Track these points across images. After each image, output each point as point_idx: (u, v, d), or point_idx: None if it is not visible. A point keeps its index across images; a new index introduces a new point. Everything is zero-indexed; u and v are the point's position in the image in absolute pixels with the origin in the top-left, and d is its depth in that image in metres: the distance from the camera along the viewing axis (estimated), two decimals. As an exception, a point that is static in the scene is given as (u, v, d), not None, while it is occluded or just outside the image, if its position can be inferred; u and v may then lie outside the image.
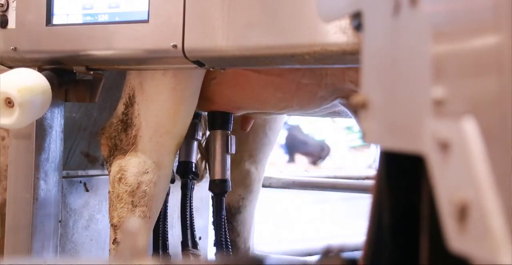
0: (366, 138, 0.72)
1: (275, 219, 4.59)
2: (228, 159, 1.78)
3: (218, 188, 1.77)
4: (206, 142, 1.91)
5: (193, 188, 1.86)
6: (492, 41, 0.53)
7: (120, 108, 1.65)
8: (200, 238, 2.19)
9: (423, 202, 0.68)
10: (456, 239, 0.52)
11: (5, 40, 1.58)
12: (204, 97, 1.68)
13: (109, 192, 1.62)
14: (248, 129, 1.93)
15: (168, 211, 1.84)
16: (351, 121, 3.37)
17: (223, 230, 1.78)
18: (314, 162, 10.07)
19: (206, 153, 1.84)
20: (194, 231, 1.85)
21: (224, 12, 1.34)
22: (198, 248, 1.87)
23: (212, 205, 1.82)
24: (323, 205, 5.57)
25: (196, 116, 1.76)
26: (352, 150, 10.64)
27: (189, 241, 1.83)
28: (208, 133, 1.85)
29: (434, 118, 0.57)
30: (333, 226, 4.47)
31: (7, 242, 1.65)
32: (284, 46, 1.31)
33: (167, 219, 1.83)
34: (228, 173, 1.77)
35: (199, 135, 1.84)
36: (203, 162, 1.98)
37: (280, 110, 1.78)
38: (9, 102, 1.47)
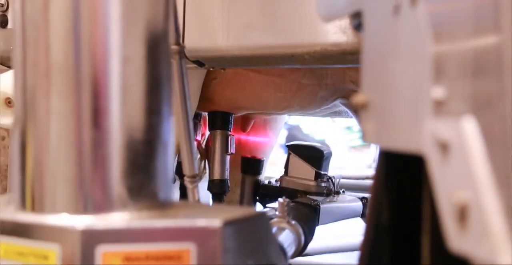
0: (366, 138, 0.72)
1: (275, 219, 4.58)
2: (227, 159, 1.77)
3: (216, 188, 1.77)
4: (206, 142, 1.90)
5: None
6: (492, 41, 0.53)
7: (120, 108, 1.64)
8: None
9: (424, 202, 0.68)
10: (456, 239, 0.52)
11: (5, 40, 1.58)
12: (204, 97, 1.68)
13: (109, 192, 1.62)
14: (248, 129, 1.92)
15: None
16: (351, 121, 3.36)
17: None
18: (314, 162, 10.03)
19: (206, 153, 1.84)
20: None
21: (224, 12, 1.34)
22: None
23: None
24: (323, 205, 5.56)
25: (196, 116, 1.76)
26: (352, 150, 10.62)
27: None
28: (208, 133, 1.85)
29: (434, 118, 0.57)
30: (333, 226, 4.46)
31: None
32: (284, 46, 1.30)
33: None
34: (227, 173, 1.77)
35: (198, 135, 1.84)
36: (202, 162, 1.98)
37: (281, 111, 1.78)
38: (9, 102, 1.47)
